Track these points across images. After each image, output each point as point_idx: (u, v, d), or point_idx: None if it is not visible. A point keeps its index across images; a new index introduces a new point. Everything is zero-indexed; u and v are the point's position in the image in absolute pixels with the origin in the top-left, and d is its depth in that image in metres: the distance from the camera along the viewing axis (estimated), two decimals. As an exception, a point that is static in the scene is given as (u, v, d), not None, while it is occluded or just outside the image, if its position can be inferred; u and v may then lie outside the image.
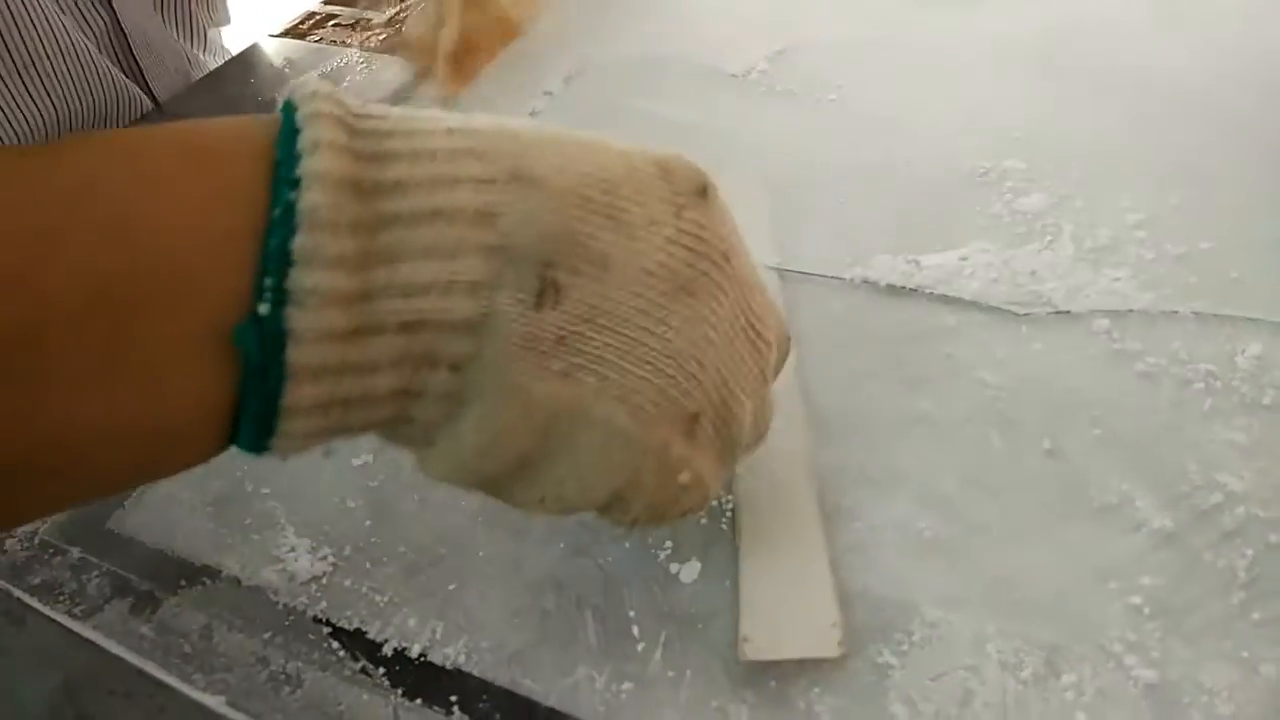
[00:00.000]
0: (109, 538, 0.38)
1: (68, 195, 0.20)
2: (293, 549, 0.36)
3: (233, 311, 0.20)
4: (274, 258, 0.20)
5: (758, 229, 0.44)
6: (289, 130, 0.21)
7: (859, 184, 0.45)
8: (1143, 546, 0.30)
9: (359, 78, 0.57)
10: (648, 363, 0.24)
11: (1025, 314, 0.37)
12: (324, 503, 0.37)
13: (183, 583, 0.36)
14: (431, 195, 0.22)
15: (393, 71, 0.57)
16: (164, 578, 0.36)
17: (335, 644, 0.33)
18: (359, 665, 0.32)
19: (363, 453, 0.39)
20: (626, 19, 0.62)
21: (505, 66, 0.58)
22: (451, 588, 0.34)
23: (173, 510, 0.39)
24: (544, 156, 0.23)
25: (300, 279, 0.20)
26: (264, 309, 0.20)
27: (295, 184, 0.20)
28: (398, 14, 0.64)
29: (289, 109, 0.22)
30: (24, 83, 0.51)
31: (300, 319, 0.20)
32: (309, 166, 0.21)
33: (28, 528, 0.39)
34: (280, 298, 0.20)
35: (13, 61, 0.51)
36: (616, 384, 0.24)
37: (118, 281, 0.19)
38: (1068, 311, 0.37)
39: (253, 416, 0.21)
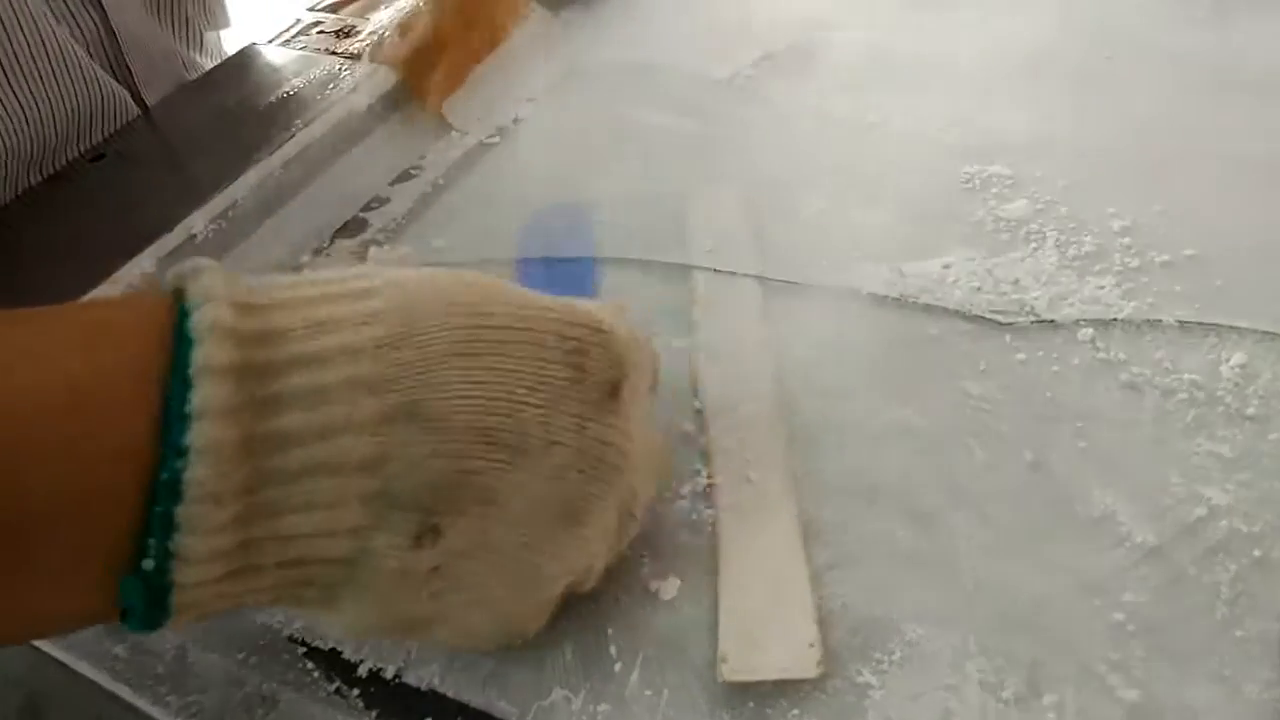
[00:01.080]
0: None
1: None
2: (269, 566, 0.36)
3: (121, 552, 0.21)
4: (159, 521, 0.21)
5: (738, 236, 0.44)
6: (181, 374, 0.21)
7: (842, 190, 0.45)
8: (1126, 562, 0.30)
9: (343, 85, 0.56)
10: (518, 584, 0.26)
11: (1009, 323, 0.37)
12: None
13: (158, 602, 0.35)
14: (316, 446, 0.22)
15: (377, 80, 0.57)
16: (139, 596, 0.36)
17: (310, 664, 0.32)
18: (334, 686, 0.32)
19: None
20: (611, 24, 0.61)
21: (489, 73, 0.57)
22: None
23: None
24: (449, 382, 0.23)
25: (185, 544, 0.21)
26: (149, 565, 0.21)
27: (183, 452, 0.21)
28: (383, 19, 0.63)
29: (184, 332, 0.22)
30: (14, 79, 0.51)
31: (184, 573, 0.21)
32: (195, 439, 0.21)
33: None
34: (165, 555, 0.21)
35: (11, 60, 0.50)
36: (483, 598, 0.26)
37: (11, 520, 0.20)
38: (1051, 321, 0.37)
39: (136, 626, 0.22)
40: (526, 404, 0.25)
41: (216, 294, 0.22)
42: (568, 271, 0.44)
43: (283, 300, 0.23)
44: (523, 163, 0.52)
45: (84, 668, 0.32)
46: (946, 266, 0.39)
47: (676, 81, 0.55)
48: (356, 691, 0.31)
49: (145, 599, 0.22)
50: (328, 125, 0.55)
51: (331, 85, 0.57)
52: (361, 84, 0.57)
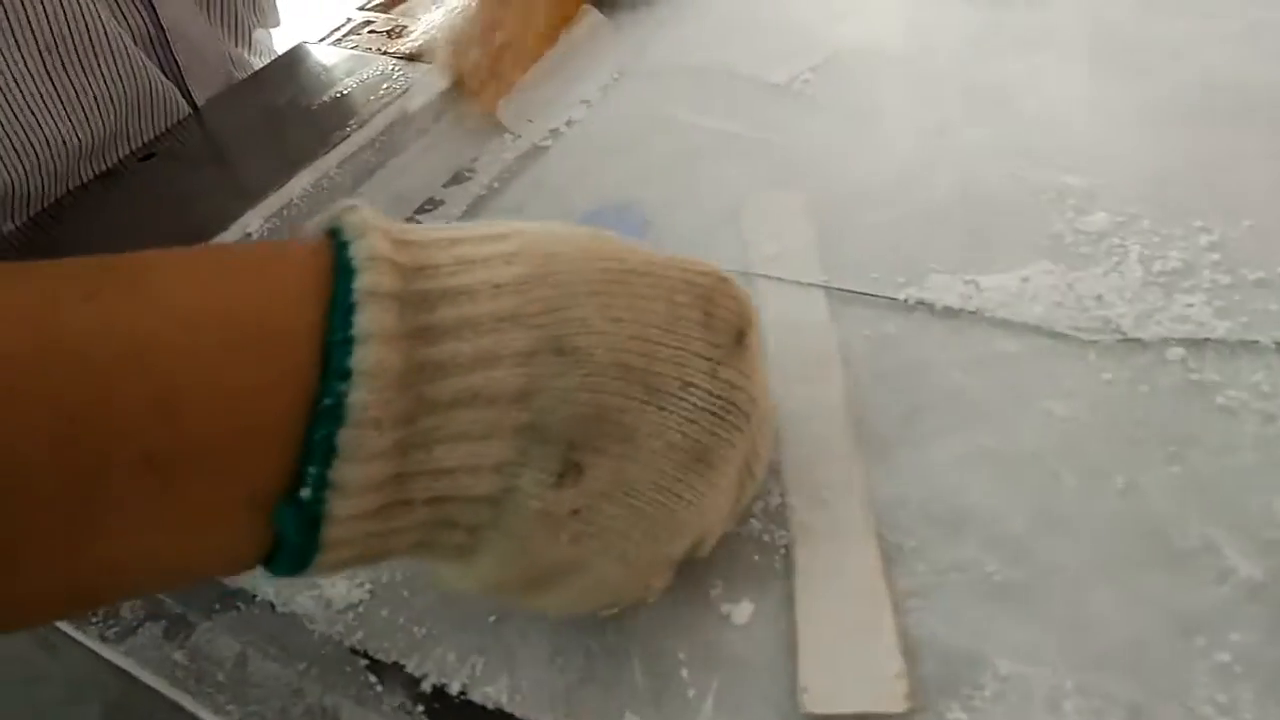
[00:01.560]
0: (140, 560, 0.37)
1: (117, 364, 0.20)
2: (328, 576, 0.35)
3: (273, 486, 0.21)
4: (319, 448, 0.21)
5: (802, 245, 0.43)
6: (343, 302, 0.22)
7: (911, 199, 0.44)
8: (1230, 598, 0.28)
9: (395, 86, 0.56)
10: (652, 531, 0.26)
11: (1093, 341, 0.35)
12: (360, 528, 0.36)
13: (217, 607, 0.35)
14: (471, 376, 0.23)
15: (429, 81, 0.56)
16: (197, 601, 0.35)
17: (373, 677, 0.32)
18: (397, 701, 0.31)
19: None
20: (665, 27, 0.60)
21: (543, 75, 0.57)
22: (492, 620, 0.32)
23: (205, 533, 0.38)
24: (590, 319, 0.24)
25: (343, 471, 0.21)
26: (306, 494, 0.21)
27: (346, 375, 0.21)
28: (435, 19, 0.63)
29: (343, 264, 0.22)
30: (64, 68, 0.50)
31: (339, 505, 0.21)
32: (359, 362, 0.21)
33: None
34: (322, 484, 0.21)
35: (50, 44, 0.49)
36: (618, 548, 0.25)
37: (164, 453, 0.20)
38: (1139, 339, 0.35)
39: (284, 567, 0.23)
40: (662, 344, 0.25)
41: (373, 226, 0.23)
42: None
43: (430, 239, 0.24)
44: (575, 166, 0.51)
45: (146, 675, 0.32)
46: (1025, 280, 0.38)
47: (732, 85, 0.54)
48: (421, 708, 0.31)
49: (299, 529, 0.21)
50: (381, 126, 0.54)
51: (384, 86, 0.57)
52: (414, 85, 0.56)
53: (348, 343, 0.21)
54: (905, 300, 0.39)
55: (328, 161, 0.51)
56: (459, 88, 0.56)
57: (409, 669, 0.31)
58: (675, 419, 0.25)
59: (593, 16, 0.60)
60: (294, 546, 0.22)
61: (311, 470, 0.21)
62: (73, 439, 0.19)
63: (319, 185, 0.51)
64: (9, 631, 0.25)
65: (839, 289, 0.40)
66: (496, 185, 0.51)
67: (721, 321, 0.27)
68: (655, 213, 0.46)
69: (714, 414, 0.26)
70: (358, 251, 0.22)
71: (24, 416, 0.19)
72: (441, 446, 0.22)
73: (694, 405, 0.26)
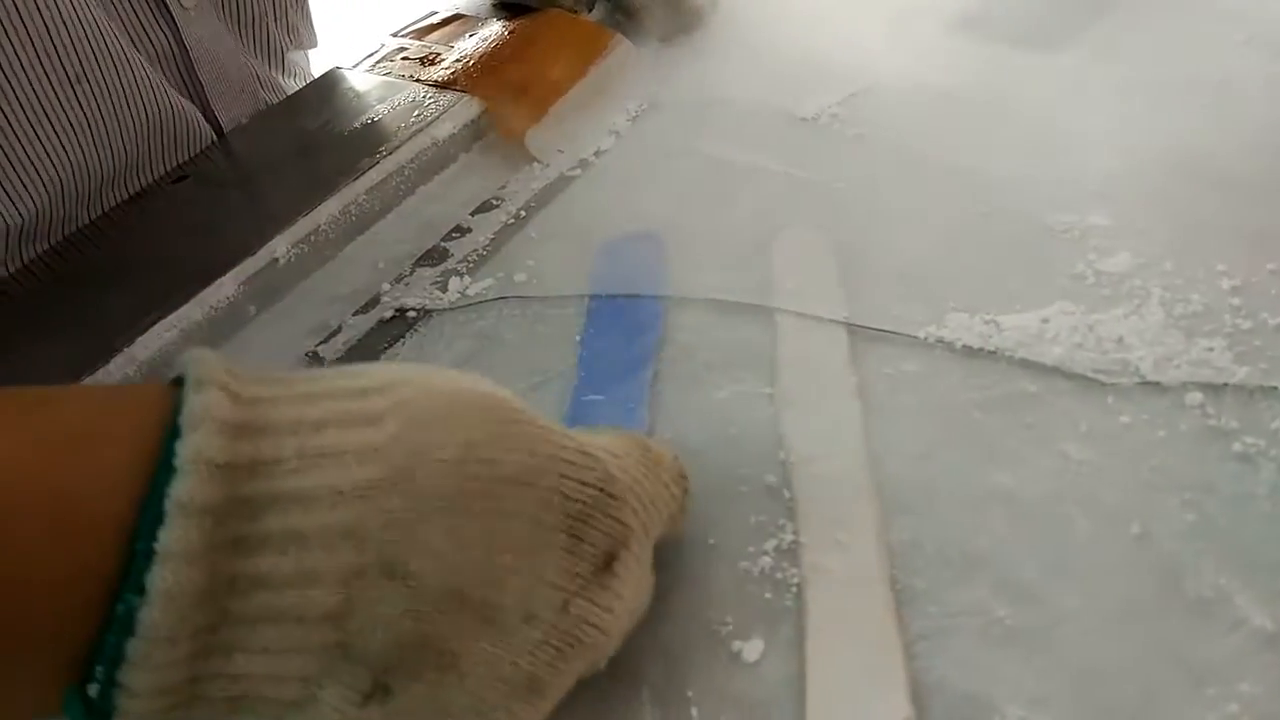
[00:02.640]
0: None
1: None
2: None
3: (67, 672, 0.21)
4: (109, 651, 0.20)
5: (824, 279, 0.43)
6: (157, 498, 0.20)
7: (934, 236, 0.44)
8: (1242, 648, 0.28)
9: (427, 113, 0.57)
10: None
11: (1111, 383, 0.35)
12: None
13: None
14: (285, 593, 0.21)
15: (460, 108, 0.57)
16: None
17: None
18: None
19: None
20: (695, 59, 0.61)
21: (572, 105, 0.57)
22: (504, 652, 0.33)
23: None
24: (433, 541, 0.22)
25: (132, 676, 0.20)
26: (93, 690, 0.21)
27: (139, 591, 0.20)
28: (467, 48, 0.64)
29: (170, 449, 0.21)
30: (75, 93, 0.51)
31: (128, 702, 0.21)
32: (157, 580, 0.20)
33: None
34: (111, 683, 0.21)
35: (62, 69, 0.50)
36: None
37: None
38: (1157, 383, 0.35)
39: None
40: (512, 572, 0.23)
41: (210, 415, 0.21)
42: (636, 316, 0.43)
43: (281, 421, 0.22)
44: (603, 196, 0.52)
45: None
46: (1045, 321, 0.38)
47: (760, 119, 0.55)
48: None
49: (87, 717, 0.21)
50: (411, 153, 0.55)
51: (415, 113, 0.58)
52: (445, 112, 0.57)
53: (151, 555, 0.20)
54: (925, 338, 0.39)
55: (356, 188, 0.52)
56: (489, 116, 0.57)
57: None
58: (511, 652, 0.24)
59: (623, 47, 0.61)
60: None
61: (100, 669, 0.21)
62: None
63: (347, 211, 0.51)
64: None
65: (860, 326, 0.40)
66: (524, 214, 0.52)
67: (590, 546, 0.25)
68: (680, 245, 0.46)
69: (555, 648, 0.24)
70: (186, 451, 0.21)
71: None
72: (243, 656, 0.22)
73: (535, 639, 0.24)
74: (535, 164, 0.55)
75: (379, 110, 0.59)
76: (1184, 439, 0.33)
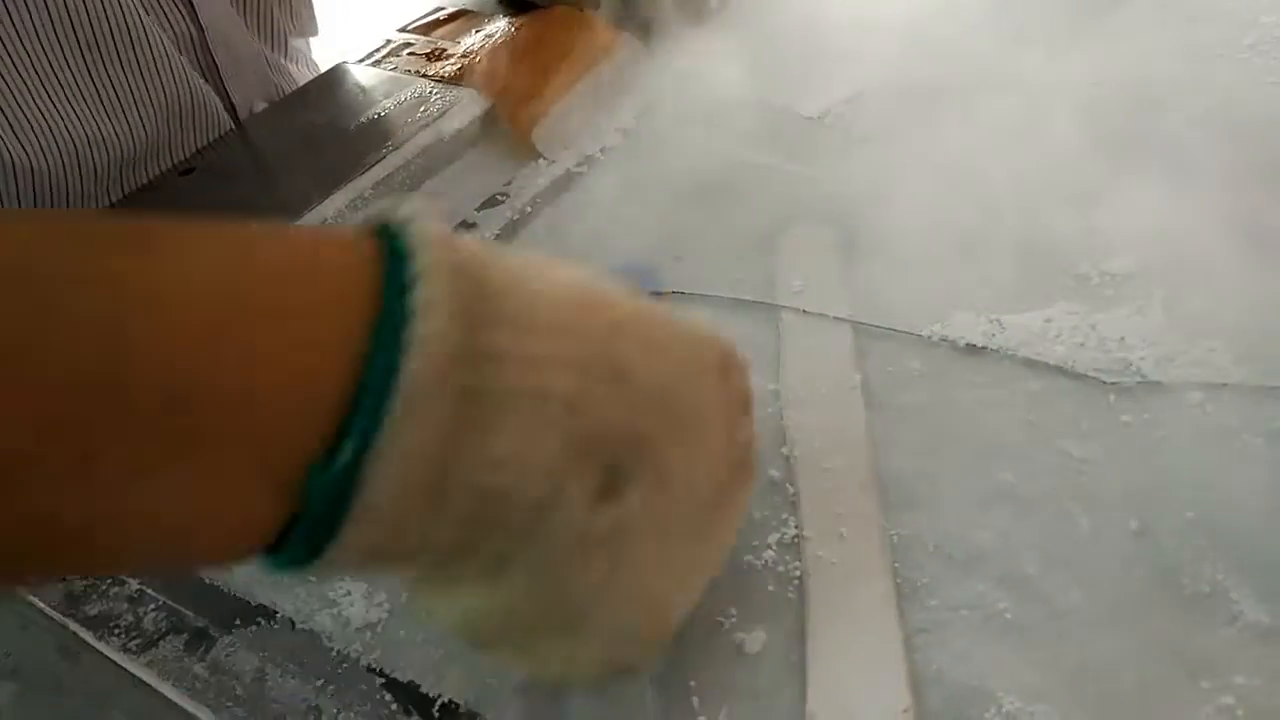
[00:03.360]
0: (167, 570, 0.38)
1: (158, 299, 0.19)
2: (348, 593, 0.36)
3: (306, 450, 0.20)
4: (366, 413, 0.20)
5: (829, 277, 0.43)
6: (397, 278, 0.21)
7: (938, 236, 0.44)
8: (1237, 641, 0.28)
9: (433, 108, 0.57)
10: (676, 571, 0.26)
11: (1113, 382, 0.36)
12: (382, 546, 0.37)
13: (237, 621, 0.35)
14: (530, 373, 0.22)
15: (467, 104, 0.57)
16: (219, 615, 0.36)
17: (389, 696, 0.32)
18: (411, 720, 0.31)
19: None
20: (702, 57, 0.61)
21: (578, 102, 0.58)
22: (507, 643, 0.33)
23: (231, 545, 0.39)
24: (636, 348, 0.24)
25: (389, 436, 0.20)
26: (345, 457, 0.20)
27: (399, 348, 0.20)
28: (473, 45, 0.64)
29: (398, 249, 0.21)
30: (85, 60, 0.51)
31: (378, 472, 0.20)
32: (417, 332, 0.20)
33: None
34: (363, 449, 0.20)
35: (73, 34, 0.50)
36: (642, 586, 0.25)
37: (199, 399, 0.19)
38: (1159, 382, 0.35)
39: (301, 546, 0.21)
40: (689, 387, 0.25)
41: (426, 216, 0.22)
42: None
43: (492, 261, 0.23)
44: (608, 193, 0.52)
45: (166, 688, 0.32)
46: (1048, 320, 0.38)
47: (766, 117, 0.55)
48: (434, 728, 0.31)
49: (326, 498, 0.20)
50: (418, 148, 0.55)
51: (422, 108, 0.58)
52: (452, 108, 0.57)
53: (407, 314, 0.20)
54: (929, 336, 0.39)
55: (363, 182, 0.53)
56: (496, 112, 0.58)
57: (424, 689, 0.32)
58: (700, 458, 0.26)
59: (630, 45, 0.61)
60: (315, 520, 0.20)
61: (356, 428, 0.19)
62: (100, 367, 0.18)
63: (354, 205, 0.52)
64: None
65: (864, 324, 0.40)
66: (529, 210, 0.52)
67: (734, 387, 0.28)
68: (684, 242, 0.47)
69: (730, 463, 0.27)
70: (416, 249, 0.21)
71: (62, 334, 0.18)
72: (494, 435, 0.21)
73: (715, 449, 0.26)
74: (541, 160, 0.55)
75: (386, 105, 0.59)
76: (1183, 438, 0.34)
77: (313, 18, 0.71)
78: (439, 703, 0.32)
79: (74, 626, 0.34)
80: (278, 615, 0.35)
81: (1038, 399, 0.36)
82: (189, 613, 0.36)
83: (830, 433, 0.36)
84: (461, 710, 0.31)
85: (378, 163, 0.54)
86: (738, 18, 0.65)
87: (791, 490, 0.35)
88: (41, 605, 0.35)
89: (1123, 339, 0.37)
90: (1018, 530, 0.32)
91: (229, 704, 0.33)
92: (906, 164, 0.49)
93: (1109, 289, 0.39)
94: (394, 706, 0.32)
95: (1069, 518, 0.32)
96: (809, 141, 0.52)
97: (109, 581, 0.38)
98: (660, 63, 0.61)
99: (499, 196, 0.54)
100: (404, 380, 0.20)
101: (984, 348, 0.38)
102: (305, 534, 0.20)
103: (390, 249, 0.21)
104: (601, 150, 0.55)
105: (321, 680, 0.33)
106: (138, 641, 0.35)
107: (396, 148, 0.55)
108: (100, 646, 0.33)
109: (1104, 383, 0.36)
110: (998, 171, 0.47)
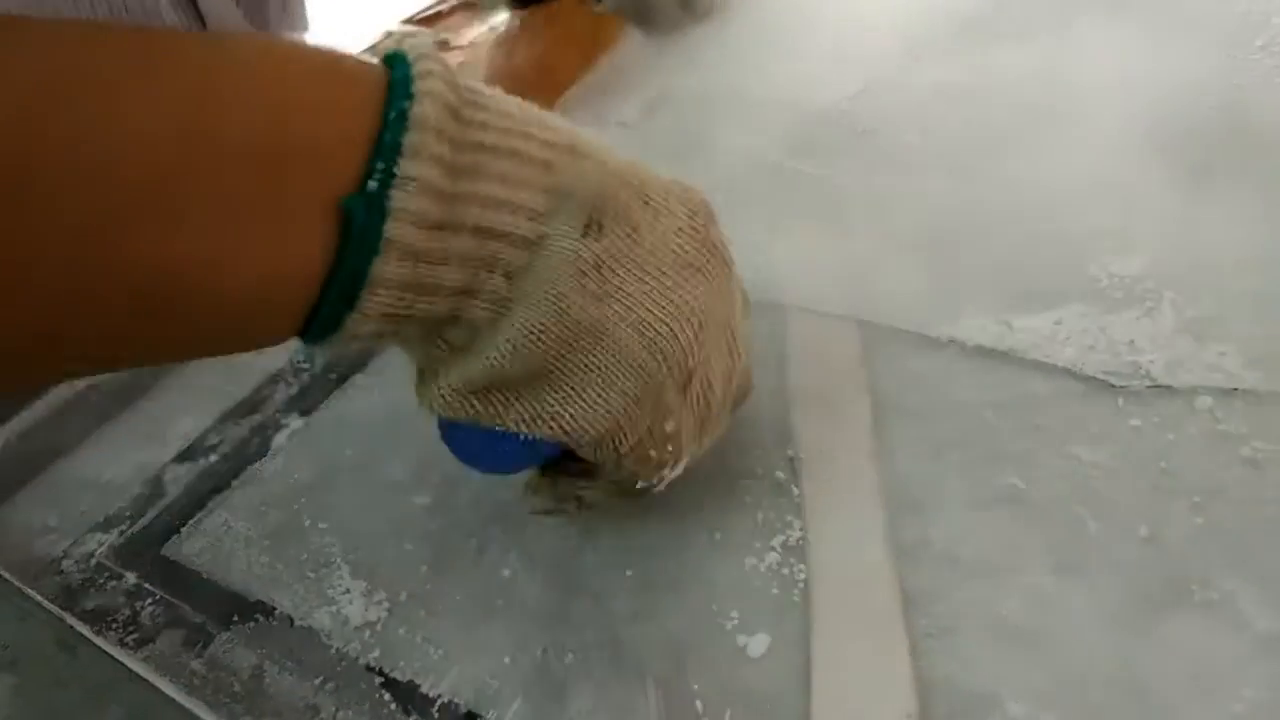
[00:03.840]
0: (164, 565, 0.38)
1: (233, 71, 0.23)
2: (348, 590, 0.35)
3: (347, 186, 0.24)
4: (387, 148, 0.24)
5: (835, 275, 0.43)
6: (402, 63, 0.25)
7: (947, 235, 0.43)
8: (1246, 651, 0.28)
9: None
10: (664, 307, 0.28)
11: (1122, 386, 0.35)
12: (382, 543, 0.37)
13: (235, 618, 0.35)
14: (508, 138, 0.26)
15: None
16: (217, 611, 0.36)
17: (388, 695, 0.32)
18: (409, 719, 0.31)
19: (425, 492, 0.38)
20: (706, 51, 0.61)
21: (583, 96, 0.57)
22: (508, 643, 0.32)
23: (228, 541, 0.38)
24: (591, 144, 0.28)
25: (406, 167, 0.24)
26: (373, 185, 0.24)
27: (409, 98, 0.24)
28: (477, 37, 0.64)
29: (398, 53, 0.26)
30: None
31: (401, 199, 0.24)
32: (421, 87, 0.25)
33: (88, 548, 0.39)
34: (387, 180, 0.24)
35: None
36: (637, 316, 0.28)
37: (267, 138, 0.23)
38: (1168, 386, 0.35)
39: (342, 285, 0.24)
40: (649, 183, 0.29)
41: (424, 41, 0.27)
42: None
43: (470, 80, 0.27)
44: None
45: (164, 683, 0.32)
46: (1058, 323, 0.38)
47: (771, 111, 0.54)
48: (433, 728, 0.31)
49: (365, 215, 0.24)
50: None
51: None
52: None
53: (409, 81, 0.25)
54: (937, 337, 0.39)
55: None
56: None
57: (423, 689, 0.32)
58: (667, 231, 0.29)
59: (634, 38, 0.60)
60: (351, 264, 0.24)
61: (379, 165, 0.24)
62: (190, 122, 0.22)
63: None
64: (69, 367, 0.25)
65: (872, 323, 0.40)
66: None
67: (695, 199, 0.31)
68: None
69: (699, 243, 0.30)
70: (413, 52, 0.26)
71: (155, 90, 0.22)
72: (485, 181, 0.25)
73: (680, 228, 0.29)
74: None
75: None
76: (1193, 443, 0.33)
77: (304, 13, 0.70)
78: (439, 702, 0.31)
79: (71, 620, 0.34)
80: (276, 612, 0.35)
81: (1046, 402, 0.35)
82: (186, 608, 0.36)
83: (835, 433, 0.36)
84: (461, 710, 0.31)
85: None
86: (742, 11, 0.64)
87: (796, 492, 0.34)
88: (40, 599, 0.35)
89: (1132, 342, 0.36)
90: (1025, 535, 0.32)
91: (226, 700, 0.33)
92: (915, 161, 0.48)
93: (1118, 290, 0.39)
94: (393, 706, 0.32)
95: (1077, 522, 0.32)
96: (815, 137, 0.52)
97: (106, 575, 0.38)
98: (665, 57, 0.60)
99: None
100: (410, 122, 0.24)
101: (993, 350, 0.38)
102: (347, 267, 0.24)
103: (395, 54, 0.26)
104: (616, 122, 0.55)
105: (320, 678, 0.33)
106: (135, 636, 0.35)
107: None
108: (98, 641, 0.33)
109: (1113, 386, 0.35)
110: (1008, 171, 0.46)
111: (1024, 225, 0.43)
